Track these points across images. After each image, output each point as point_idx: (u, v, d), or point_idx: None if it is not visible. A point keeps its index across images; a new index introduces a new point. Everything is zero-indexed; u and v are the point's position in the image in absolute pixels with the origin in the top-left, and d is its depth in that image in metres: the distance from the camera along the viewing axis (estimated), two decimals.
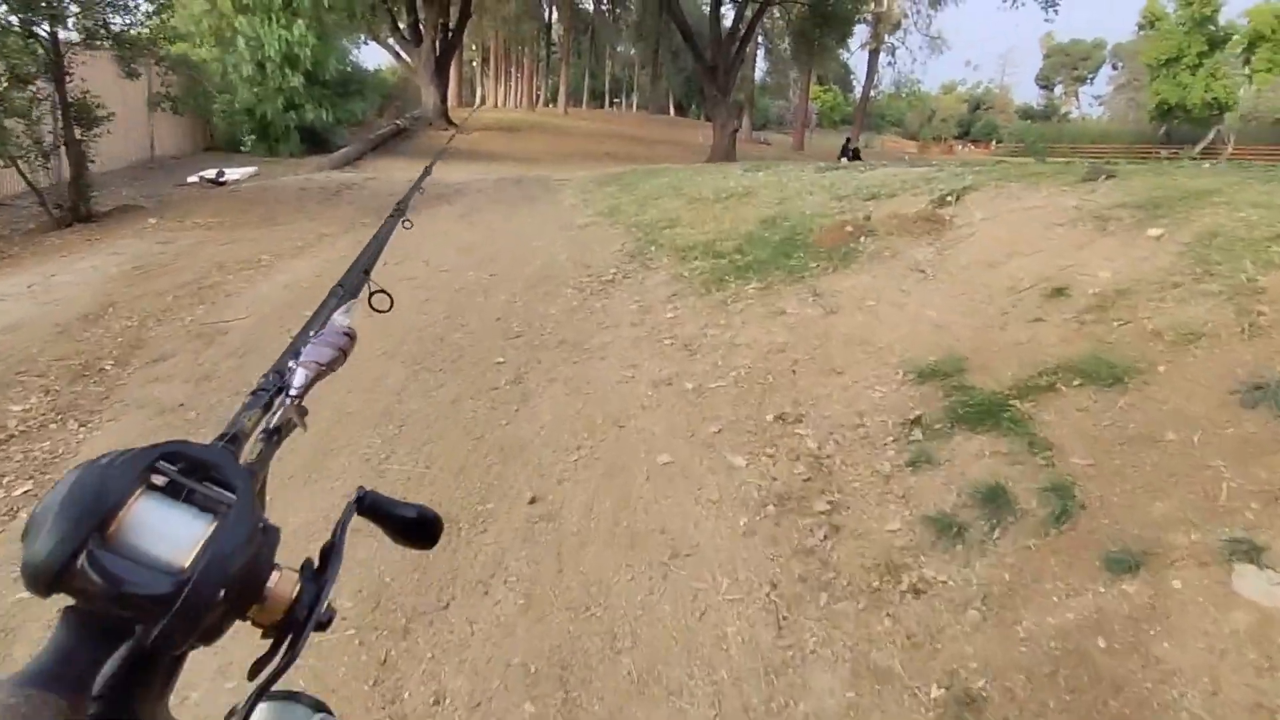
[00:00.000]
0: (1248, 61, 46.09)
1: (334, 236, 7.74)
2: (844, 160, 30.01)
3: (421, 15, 25.81)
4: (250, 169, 14.27)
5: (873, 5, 38.16)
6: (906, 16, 42.11)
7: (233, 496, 0.49)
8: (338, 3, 16.92)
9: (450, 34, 27.24)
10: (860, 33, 39.27)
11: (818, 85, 50.39)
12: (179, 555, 0.46)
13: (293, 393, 0.71)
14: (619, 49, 55.61)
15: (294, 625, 0.52)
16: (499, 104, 47.24)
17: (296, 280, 6.09)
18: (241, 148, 17.11)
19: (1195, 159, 47.02)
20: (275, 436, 0.66)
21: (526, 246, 7.05)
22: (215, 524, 0.47)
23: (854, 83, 50.15)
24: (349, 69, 18.78)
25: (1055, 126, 58.04)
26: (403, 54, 27.36)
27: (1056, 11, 23.38)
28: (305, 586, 0.52)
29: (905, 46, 45.21)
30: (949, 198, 5.68)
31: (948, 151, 53.45)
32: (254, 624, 0.51)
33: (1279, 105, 51.44)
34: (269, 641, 0.52)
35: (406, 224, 1.40)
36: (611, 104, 61.51)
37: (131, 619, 0.44)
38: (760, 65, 48.86)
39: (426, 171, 1.88)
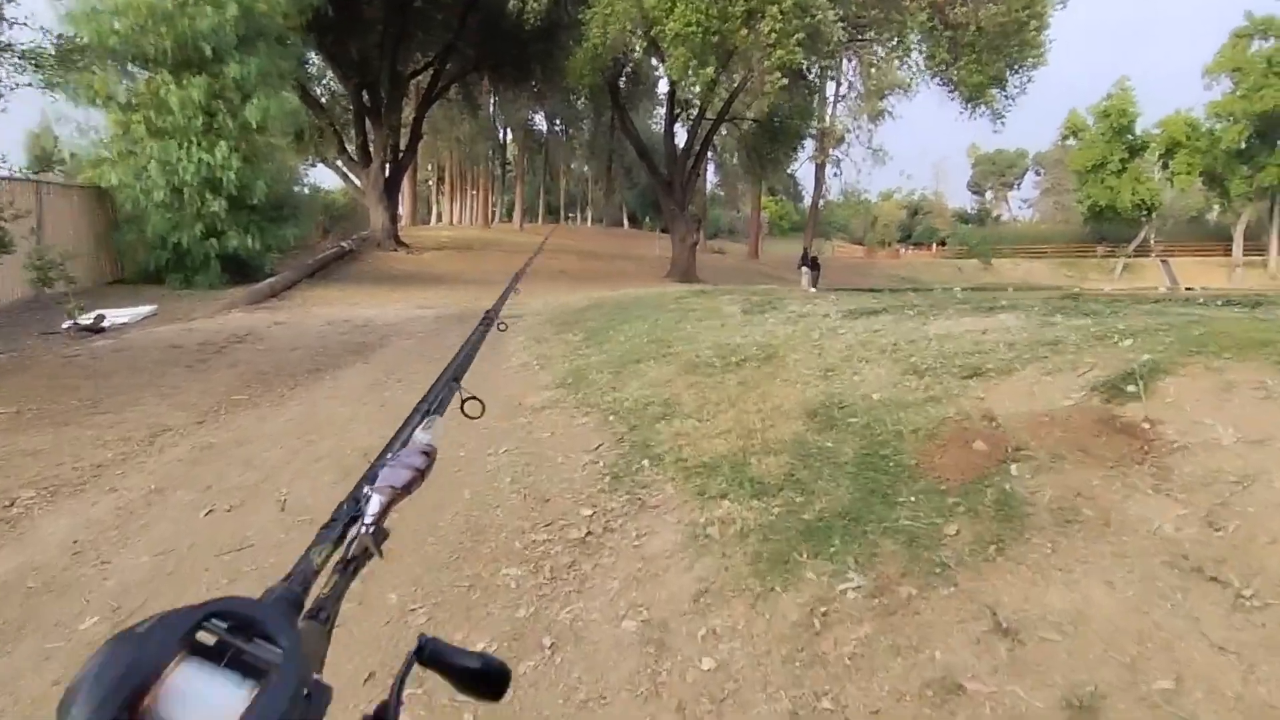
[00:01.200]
0: (1166, 165, 46.96)
1: (179, 432, 5.08)
2: (805, 270, 28.59)
3: (371, 137, 24.01)
4: (146, 309, 11.63)
5: (818, 122, 38.00)
6: (850, 131, 42.02)
7: (278, 655, 0.45)
8: (273, 125, 14.80)
9: (400, 155, 25.43)
10: (807, 146, 38.91)
11: (767, 195, 49.95)
12: None
13: (368, 520, 0.67)
14: (573, 166, 55.07)
15: None
16: (455, 221, 45.64)
17: (32, 564, 3.28)
18: (162, 280, 14.58)
19: (1130, 257, 47.33)
20: (351, 567, 0.62)
21: (451, 456, 4.47)
22: (257, 691, 0.42)
23: (802, 192, 49.83)
24: (283, 191, 16.47)
25: (996, 229, 58.57)
26: (350, 175, 25.38)
27: (1004, 123, 22.31)
28: None
29: (849, 159, 44.89)
30: (1129, 384, 3.38)
31: (894, 255, 53.13)
32: None
33: (1195, 205, 52.32)
34: None
35: (502, 326, 1.25)
36: (566, 218, 60.61)
37: None
38: (711, 177, 48.43)
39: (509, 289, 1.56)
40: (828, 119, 42.04)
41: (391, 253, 23.33)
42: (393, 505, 0.70)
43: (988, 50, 17.65)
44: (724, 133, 32.62)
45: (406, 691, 0.56)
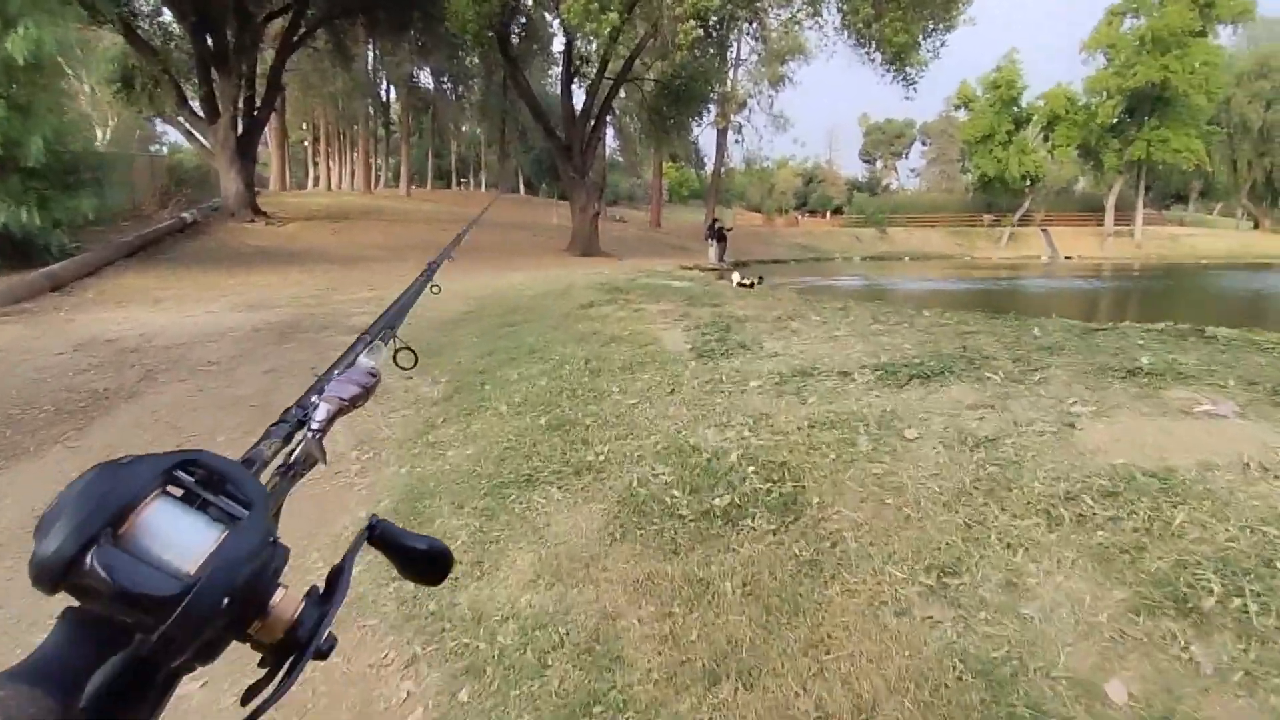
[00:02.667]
0: (1047, 138, 47.54)
1: None
2: (712, 243, 26.57)
3: (218, 88, 19.99)
4: None
5: (720, 85, 35.85)
6: (751, 96, 40.12)
7: (246, 512, 0.47)
8: (52, 66, 11.23)
9: (257, 110, 21.51)
10: (710, 110, 36.80)
11: (669, 162, 47.62)
12: (187, 562, 0.43)
13: (315, 427, 0.69)
14: (464, 128, 50.89)
15: (292, 649, 0.48)
16: (335, 186, 41.14)
17: None
18: None
19: (1015, 226, 47.82)
20: (293, 470, 0.64)
21: None
22: (226, 534, 0.45)
23: (703, 159, 47.73)
24: (79, 151, 12.86)
25: (889, 198, 58.45)
26: (195, 133, 21.29)
27: (915, 89, 20.71)
28: (308, 610, 0.49)
29: (751, 124, 43.18)
30: None
31: (792, 223, 52.06)
32: (252, 645, 0.48)
33: (1072, 175, 53.39)
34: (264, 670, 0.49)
35: (435, 289, 1.22)
36: (459, 184, 56.40)
37: (132, 626, 0.42)
38: (611, 143, 45.59)
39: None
40: (729, 83, 40.13)
41: (247, 224, 19.68)
42: (339, 416, 0.71)
43: (913, 6, 15.73)
44: (624, 95, 30.06)
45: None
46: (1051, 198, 51.57)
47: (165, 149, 39.79)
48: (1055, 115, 46.09)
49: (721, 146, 41.05)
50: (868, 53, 18.28)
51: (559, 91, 23.88)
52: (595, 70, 21.39)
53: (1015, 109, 47.01)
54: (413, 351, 1.04)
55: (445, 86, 40.50)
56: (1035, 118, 47.10)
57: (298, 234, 19.91)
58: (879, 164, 71.93)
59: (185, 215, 18.32)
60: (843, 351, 4.81)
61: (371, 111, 37.99)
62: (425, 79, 40.28)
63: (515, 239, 25.20)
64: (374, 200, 32.79)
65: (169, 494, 0.46)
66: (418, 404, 4.81)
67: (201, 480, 0.48)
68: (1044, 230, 48.37)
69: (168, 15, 20.34)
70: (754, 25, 37.95)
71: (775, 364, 4.65)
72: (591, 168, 22.56)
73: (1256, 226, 53.19)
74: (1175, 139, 42.20)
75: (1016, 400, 3.48)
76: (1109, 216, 47.08)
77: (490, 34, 18.05)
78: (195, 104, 20.50)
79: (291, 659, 0.48)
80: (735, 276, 24.62)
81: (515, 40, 21.48)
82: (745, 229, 46.35)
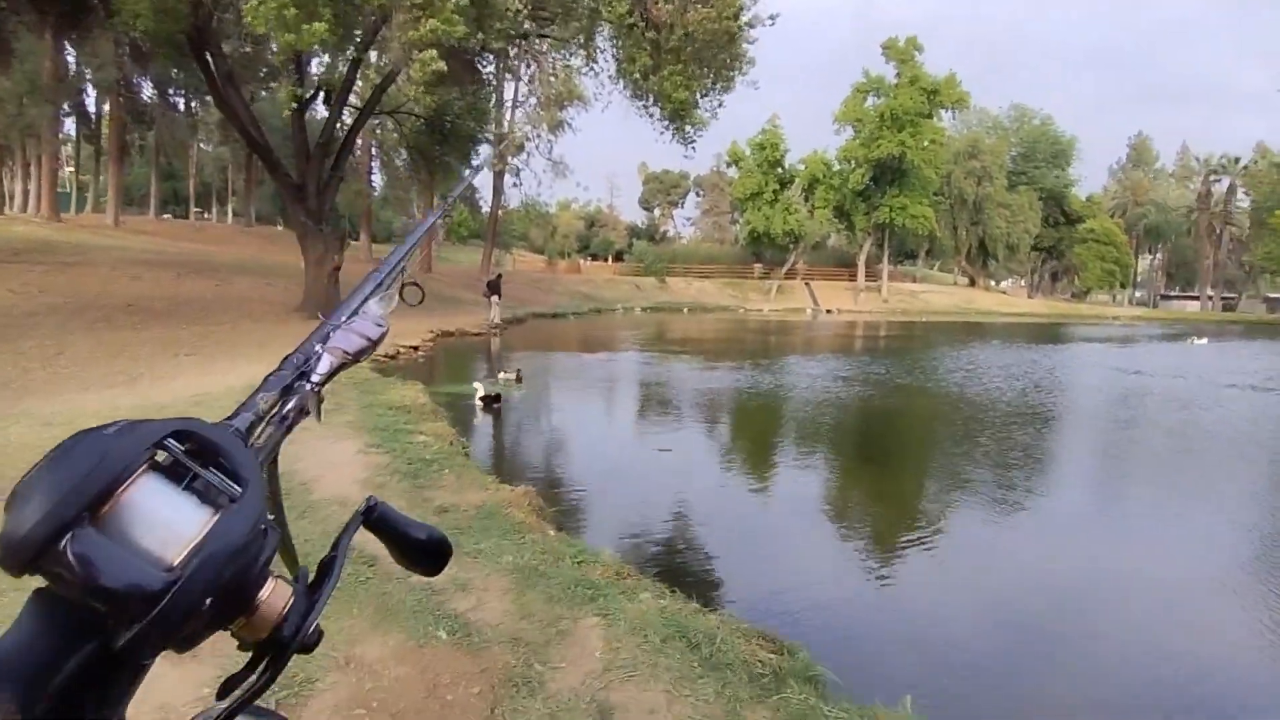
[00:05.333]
0: (808, 199, 49.90)
1: None
2: (494, 301, 23.21)
3: None
4: None
5: (496, 127, 32.92)
6: (530, 140, 37.53)
7: (238, 490, 0.43)
8: None
9: None
10: (482, 152, 33.72)
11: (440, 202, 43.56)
12: (170, 550, 0.39)
13: (315, 379, 0.64)
14: (205, 147, 43.41)
15: (277, 644, 0.44)
16: (8, 210, 32.41)
17: None
18: None
19: (782, 279, 49.37)
20: (288, 421, 0.59)
21: None
22: (215, 519, 0.41)
23: (479, 200, 44.34)
24: None
25: (668, 248, 58.57)
26: None
27: (694, 148, 19.14)
28: (296, 603, 0.45)
29: (529, 169, 40.53)
30: None
31: (574, 269, 50.11)
32: (233, 635, 0.44)
33: (825, 231, 56.47)
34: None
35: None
36: (200, 213, 48.19)
37: (105, 617, 0.38)
38: (379, 177, 40.79)
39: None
40: (506, 125, 37.34)
41: None
42: (341, 369, 0.67)
43: (695, 61, 13.80)
44: (391, 128, 26.20)
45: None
46: (809, 252, 54.30)
47: None
48: (815, 178, 48.49)
49: (499, 189, 38.01)
50: (645, 106, 16.18)
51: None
52: (337, 95, 17.50)
53: (780, 170, 48.88)
54: (419, 287, 0.92)
55: (172, 97, 33.91)
56: (797, 180, 49.25)
57: None
58: (657, 211, 72.76)
59: None
60: None
61: (58, 121, 30.35)
62: (148, 89, 33.36)
63: (238, 290, 20.23)
64: (60, 232, 25.72)
65: (157, 467, 0.42)
66: None
67: (192, 451, 0.43)
68: (807, 284, 50.48)
69: None
70: (531, 68, 35.81)
71: None
72: (330, 211, 18.44)
73: (972, 283, 59.79)
74: (912, 206, 45.82)
75: None
76: (861, 273, 50.16)
77: (182, 36, 13.66)
78: None
79: (273, 654, 0.44)
80: (494, 315, 21.57)
81: (230, 50, 16.95)
82: (526, 275, 43.56)
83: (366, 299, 0.78)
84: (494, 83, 27.72)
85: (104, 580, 0.36)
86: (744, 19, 14.03)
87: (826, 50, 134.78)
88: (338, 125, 18.13)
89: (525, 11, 11.98)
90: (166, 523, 0.40)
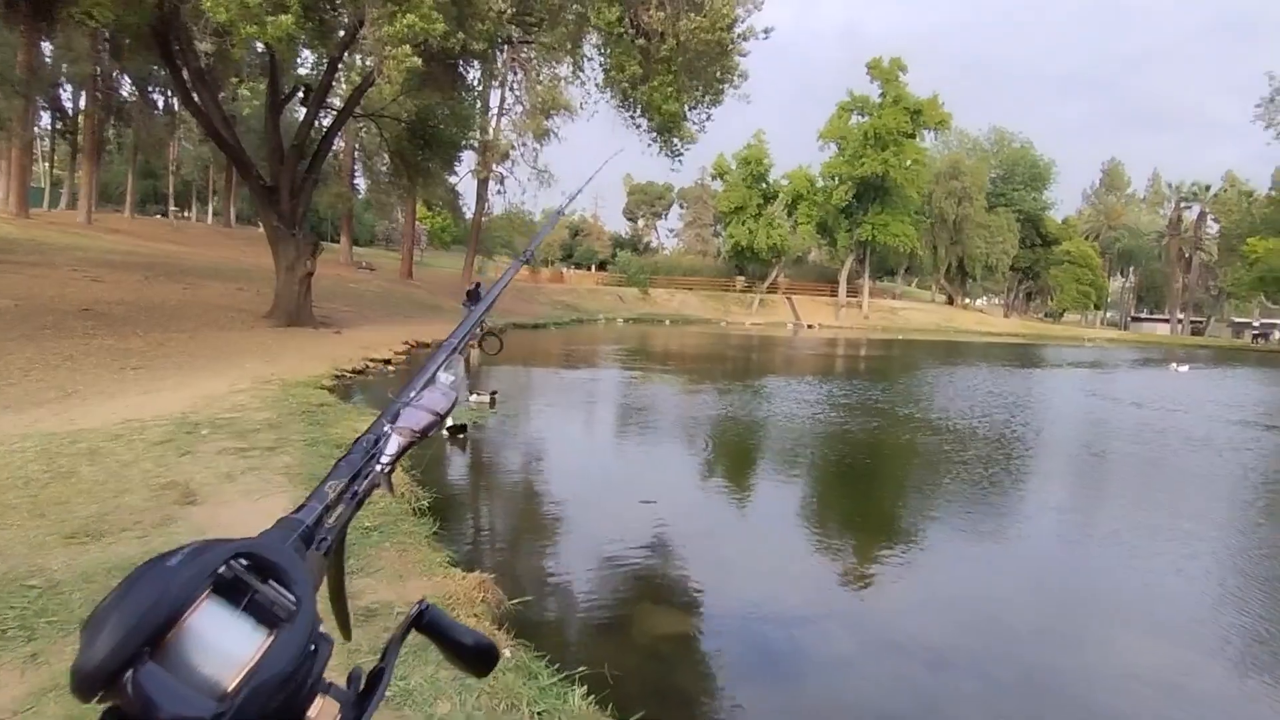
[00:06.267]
0: (791, 214, 49.49)
1: None
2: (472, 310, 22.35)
3: None
4: None
5: (481, 134, 32.04)
6: (515, 149, 36.63)
7: (293, 604, 0.45)
8: None
9: None
10: (466, 158, 32.87)
11: (424, 208, 42.68)
12: (226, 675, 0.42)
13: (384, 460, 0.65)
14: (185, 145, 42.07)
15: None
16: None
17: None
18: None
19: (764, 293, 48.86)
20: (359, 500, 0.61)
21: None
22: (269, 642, 0.43)
23: (463, 206, 43.36)
24: None
25: (651, 259, 57.91)
26: None
27: (681, 162, 18.47)
28: (345, 718, 0.47)
29: (514, 176, 39.68)
30: None
31: (558, 278, 49.26)
32: None
33: (806, 246, 56.06)
34: None
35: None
36: (179, 212, 46.75)
37: None
38: (361, 182, 39.70)
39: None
40: (491, 131, 36.47)
41: None
42: (410, 448, 0.68)
43: (686, 71, 13.09)
44: (375, 130, 25.23)
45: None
46: (791, 266, 53.93)
47: None
48: (798, 194, 48.10)
49: (482, 196, 37.12)
50: (633, 117, 15.45)
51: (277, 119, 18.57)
52: (314, 95, 16.63)
53: (764, 185, 48.44)
54: (499, 338, 1.03)
55: (152, 93, 32.70)
56: (781, 195, 48.83)
57: None
58: (641, 222, 72.12)
59: None
60: None
61: (28, 114, 29.07)
62: (128, 84, 32.12)
63: (209, 295, 19.21)
64: (26, 229, 24.52)
65: (219, 585, 0.44)
66: None
67: (250, 568, 0.45)
68: (789, 299, 50.00)
69: None
70: (518, 75, 34.98)
71: None
72: (304, 215, 17.50)
73: (950, 301, 59.72)
74: (894, 224, 45.55)
75: None
76: (842, 288, 49.79)
77: (147, 29, 12.73)
78: None
79: None
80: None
81: (204, 49, 16.00)
82: (510, 283, 42.60)
83: (438, 369, 0.77)
84: (479, 89, 26.85)
85: (161, 714, 0.39)
86: (738, 30, 13.35)
87: (813, 69, 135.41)
88: (314, 126, 17.22)
89: (509, 12, 11.17)
90: (225, 648, 0.42)
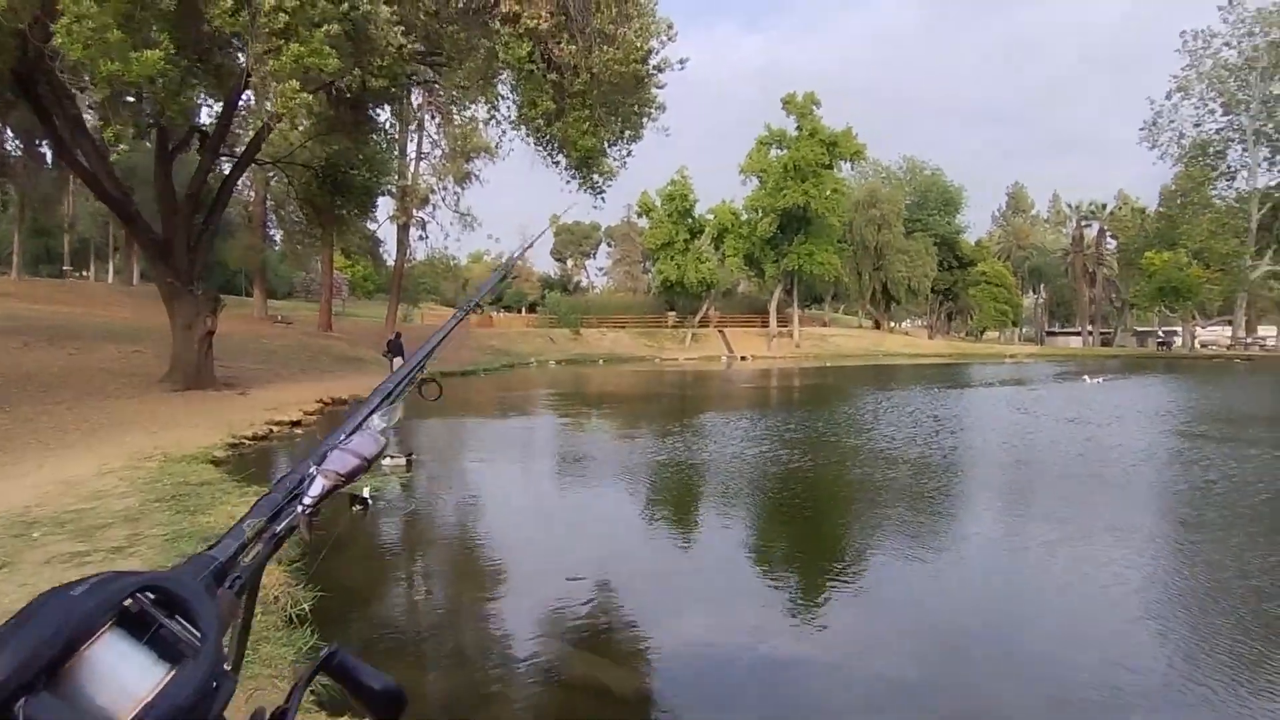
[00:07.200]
0: (718, 247, 49.91)
1: None
2: (395, 361, 21.34)
3: None
4: None
5: (397, 179, 31.08)
6: (435, 193, 35.72)
7: (198, 640, 0.44)
8: None
9: None
10: (386, 204, 31.83)
11: (343, 257, 41.22)
12: (122, 708, 0.40)
13: (306, 502, 0.63)
14: (80, 199, 39.54)
15: None
16: None
17: None
18: None
19: (696, 327, 48.86)
20: (276, 541, 0.61)
21: None
22: (169, 676, 0.42)
23: (384, 253, 42.03)
24: None
25: (582, 299, 57.42)
26: None
27: (604, 199, 18.07)
28: None
29: (436, 221, 38.73)
30: None
31: (487, 323, 48.13)
32: None
33: (735, 279, 56.58)
34: None
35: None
36: (75, 271, 43.84)
37: None
38: (275, 231, 37.97)
39: None
40: (410, 176, 35.52)
41: None
42: (334, 491, 0.66)
43: (602, 105, 12.66)
44: (288, 179, 23.99)
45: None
46: (721, 299, 54.27)
47: None
48: (724, 228, 48.58)
49: (403, 243, 35.96)
50: (550, 154, 14.93)
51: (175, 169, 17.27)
52: (208, 144, 15.51)
53: (690, 220, 48.78)
54: (438, 383, 0.90)
55: (39, 146, 30.53)
56: (707, 229, 49.24)
57: None
58: (569, 262, 71.78)
59: None
60: None
61: None
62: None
63: (98, 361, 17.60)
64: None
65: (123, 618, 0.43)
66: None
67: (158, 602, 0.44)
68: (721, 332, 50.14)
69: None
70: (435, 119, 34.24)
71: None
72: (203, 270, 16.24)
73: (877, 325, 61.14)
74: (818, 253, 46.37)
75: None
76: (773, 318, 50.24)
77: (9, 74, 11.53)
78: None
79: None
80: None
81: (85, 95, 14.72)
82: (435, 329, 41.24)
83: (370, 413, 0.75)
84: (392, 132, 26.01)
85: None
86: (653, 62, 13.04)
87: (733, 106, 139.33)
88: (210, 174, 16.08)
89: (409, 48, 10.52)
90: (122, 680, 0.41)
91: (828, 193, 45.87)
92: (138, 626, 0.43)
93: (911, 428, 13.82)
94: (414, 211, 34.41)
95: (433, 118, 34.92)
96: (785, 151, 46.84)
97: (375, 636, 4.25)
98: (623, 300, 56.84)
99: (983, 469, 10.33)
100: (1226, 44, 49.60)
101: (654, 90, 13.26)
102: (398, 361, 21.37)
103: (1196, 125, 52.05)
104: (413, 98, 26.45)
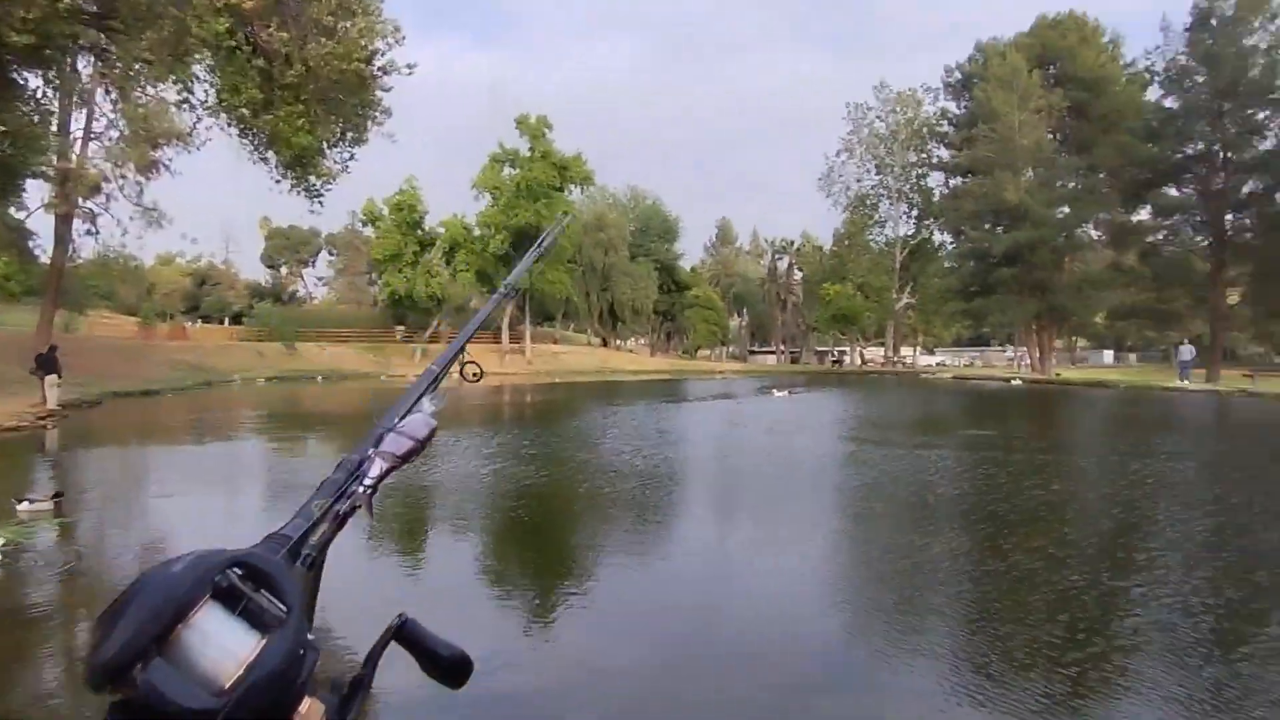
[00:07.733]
0: (449, 262, 48.73)
1: None
2: (50, 380, 17.36)
3: None
4: None
5: (56, 160, 25.69)
6: (109, 181, 30.09)
7: (283, 613, 0.49)
8: None
9: None
10: (39, 190, 26.26)
11: None
12: (224, 673, 0.45)
13: (367, 482, 0.67)
14: None
15: None
16: None
17: None
18: None
19: (426, 342, 47.05)
20: (341, 520, 0.64)
21: None
22: (263, 644, 0.47)
23: (37, 249, 34.42)
24: None
25: (299, 310, 52.25)
26: None
27: (322, 204, 16.80)
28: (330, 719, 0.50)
29: (110, 214, 32.58)
30: None
31: (179, 334, 41.76)
32: None
33: (467, 295, 55.64)
34: None
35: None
36: None
37: None
38: None
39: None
40: (74, 159, 29.60)
41: None
42: (391, 472, 0.70)
43: (319, 102, 11.67)
44: None
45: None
46: (453, 315, 52.99)
47: None
48: (455, 242, 47.59)
49: (64, 236, 29.79)
50: (258, 149, 13.41)
51: None
52: None
53: (420, 232, 47.08)
54: (479, 366, 0.94)
55: None
56: (438, 242, 47.87)
57: None
58: (284, 270, 65.15)
59: None
60: None
61: None
62: None
63: None
64: None
65: (218, 593, 0.47)
66: None
67: (245, 577, 0.49)
68: None
69: None
70: (111, 94, 28.97)
71: None
72: None
73: (605, 344, 64.03)
74: (550, 272, 47.40)
75: None
76: (505, 335, 50.17)
77: None
78: None
79: None
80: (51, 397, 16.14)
81: None
82: (110, 342, 34.80)
83: (421, 396, 0.78)
84: (49, 105, 21.58)
85: (166, 705, 0.42)
86: (378, 63, 12.35)
87: (465, 118, 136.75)
88: None
89: (69, 2, 8.76)
90: (223, 647, 0.45)
91: (559, 214, 47.17)
92: (231, 599, 0.47)
93: (638, 440, 14.61)
94: (79, 200, 28.68)
95: (108, 93, 29.55)
96: (518, 171, 47.32)
97: None
98: (346, 313, 52.98)
99: (702, 478, 11.25)
100: (879, 117, 60.31)
101: (379, 93, 12.56)
102: (51, 379, 17.64)
103: (858, 180, 62.41)
104: (79, 66, 22.19)
